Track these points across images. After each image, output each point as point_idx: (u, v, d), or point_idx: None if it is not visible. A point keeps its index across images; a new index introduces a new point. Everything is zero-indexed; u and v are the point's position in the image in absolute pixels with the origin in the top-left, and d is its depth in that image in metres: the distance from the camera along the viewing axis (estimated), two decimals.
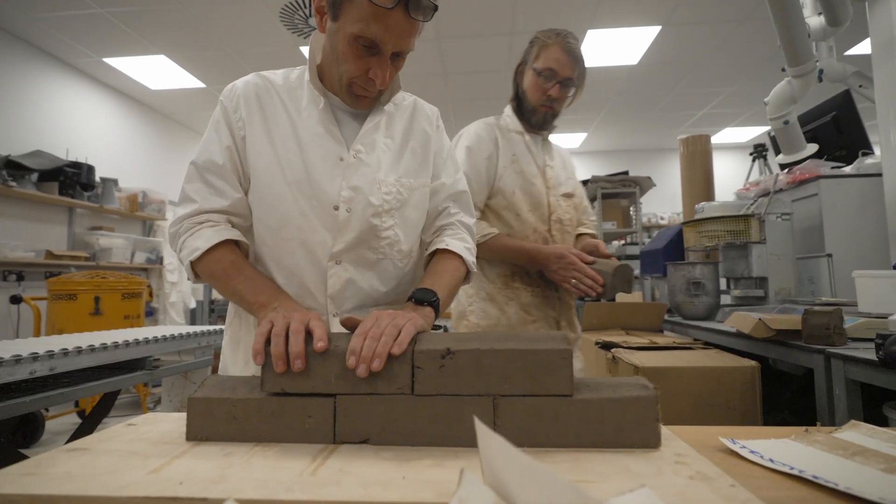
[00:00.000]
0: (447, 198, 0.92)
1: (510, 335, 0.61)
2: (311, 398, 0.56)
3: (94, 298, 2.92)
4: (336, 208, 0.80)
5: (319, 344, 0.56)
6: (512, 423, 0.54)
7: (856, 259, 1.87)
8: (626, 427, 0.53)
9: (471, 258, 0.90)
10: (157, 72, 4.33)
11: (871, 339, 1.17)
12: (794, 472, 0.49)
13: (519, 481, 0.30)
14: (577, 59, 1.27)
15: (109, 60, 4.08)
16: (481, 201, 1.31)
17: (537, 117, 1.32)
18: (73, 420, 3.20)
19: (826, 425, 0.93)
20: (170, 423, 0.65)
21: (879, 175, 1.89)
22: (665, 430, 0.58)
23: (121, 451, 0.54)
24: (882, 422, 1.06)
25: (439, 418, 0.55)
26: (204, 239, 0.77)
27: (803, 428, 0.62)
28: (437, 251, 0.88)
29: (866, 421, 0.64)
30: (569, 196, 1.39)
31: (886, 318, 1.16)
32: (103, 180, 4.09)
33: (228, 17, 3.47)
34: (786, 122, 1.84)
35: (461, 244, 0.89)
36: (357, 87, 0.78)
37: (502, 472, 0.32)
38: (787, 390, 1.68)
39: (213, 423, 0.57)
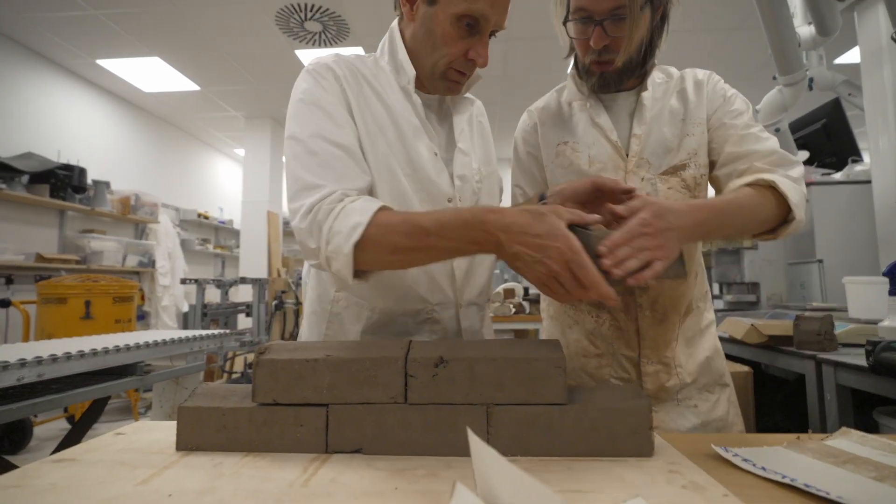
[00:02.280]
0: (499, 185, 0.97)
1: (505, 342, 0.61)
2: (302, 407, 0.56)
3: (85, 302, 2.88)
4: (450, 200, 0.79)
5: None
6: (505, 432, 0.54)
7: (846, 264, 1.90)
8: (620, 435, 0.53)
9: None
10: (150, 74, 4.31)
11: (861, 345, 1.18)
12: (786, 480, 0.49)
13: (512, 494, 0.30)
14: None
15: (102, 62, 4.06)
16: None
17: (592, 80, 0.87)
18: (62, 426, 3.15)
19: (818, 430, 0.93)
20: (159, 431, 0.64)
21: (868, 182, 1.92)
22: (658, 439, 0.58)
23: (109, 461, 0.53)
24: (873, 426, 1.07)
25: (432, 427, 0.54)
26: (358, 212, 0.62)
27: (795, 435, 0.63)
28: None
29: (857, 426, 0.65)
30: (673, 173, 0.86)
31: (876, 323, 1.17)
32: (95, 183, 4.06)
33: (223, 19, 3.47)
34: (777, 130, 1.86)
35: None
36: (453, 72, 0.77)
37: (495, 485, 0.32)
38: (778, 394, 1.70)
39: (204, 432, 0.56)
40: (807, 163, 1.99)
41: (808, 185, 2.03)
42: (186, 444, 0.56)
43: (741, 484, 0.49)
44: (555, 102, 0.96)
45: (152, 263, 4.58)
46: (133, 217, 4.42)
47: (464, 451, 0.54)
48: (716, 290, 2.21)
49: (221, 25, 3.54)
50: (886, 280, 1.19)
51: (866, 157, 2.14)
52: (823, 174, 2.11)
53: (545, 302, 1.01)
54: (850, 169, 2.09)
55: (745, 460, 0.54)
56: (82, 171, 3.85)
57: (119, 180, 4.54)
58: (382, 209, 0.63)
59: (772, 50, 1.63)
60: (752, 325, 1.38)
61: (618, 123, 0.89)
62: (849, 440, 0.61)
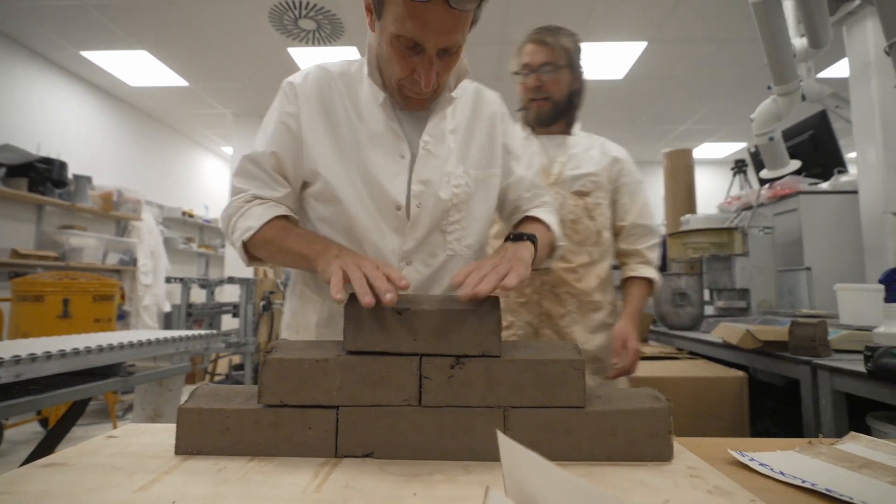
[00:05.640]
0: (529, 186, 0.91)
1: (521, 343, 0.59)
2: (311, 409, 0.53)
3: (63, 300, 2.78)
4: (399, 208, 0.78)
5: (388, 296, 0.55)
6: (523, 436, 0.52)
7: (832, 272, 1.94)
8: (639, 439, 0.52)
9: (558, 231, 0.88)
10: (137, 68, 4.20)
11: (854, 351, 1.20)
12: (807, 485, 0.48)
13: (556, 498, 0.29)
14: (547, 44, 1.19)
15: (87, 54, 3.94)
16: None
17: (529, 115, 1.26)
18: (34, 429, 3.03)
19: (811, 435, 0.94)
20: (154, 434, 0.61)
21: (854, 192, 1.97)
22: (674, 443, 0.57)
23: (103, 465, 0.50)
24: (865, 432, 1.09)
25: (447, 431, 0.53)
26: (255, 217, 0.75)
27: (807, 440, 0.63)
28: (525, 218, 0.89)
29: (851, 431, 0.65)
30: (580, 195, 1.22)
31: (868, 330, 1.19)
32: (76, 177, 3.93)
33: (215, 14, 3.40)
34: (771, 139, 1.90)
35: (553, 217, 0.89)
36: (406, 88, 0.75)
37: (537, 490, 0.30)
38: (769, 400, 1.72)
39: (206, 435, 0.53)
40: (796, 172, 2.03)
41: (798, 194, 2.08)
42: (187, 447, 0.53)
43: (761, 488, 0.48)
44: None
45: (134, 262, 4.45)
46: (115, 213, 4.29)
47: (480, 455, 0.52)
48: (707, 296, 2.24)
49: (213, 20, 3.48)
50: (877, 287, 1.22)
51: (851, 169, 2.20)
52: (811, 183, 2.15)
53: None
54: (836, 180, 2.14)
55: (763, 465, 0.54)
56: (63, 165, 3.72)
57: (101, 175, 4.41)
58: (276, 219, 0.76)
59: (768, 60, 1.66)
60: (747, 330, 1.39)
61: (547, 153, 1.27)
62: (859, 444, 0.61)
